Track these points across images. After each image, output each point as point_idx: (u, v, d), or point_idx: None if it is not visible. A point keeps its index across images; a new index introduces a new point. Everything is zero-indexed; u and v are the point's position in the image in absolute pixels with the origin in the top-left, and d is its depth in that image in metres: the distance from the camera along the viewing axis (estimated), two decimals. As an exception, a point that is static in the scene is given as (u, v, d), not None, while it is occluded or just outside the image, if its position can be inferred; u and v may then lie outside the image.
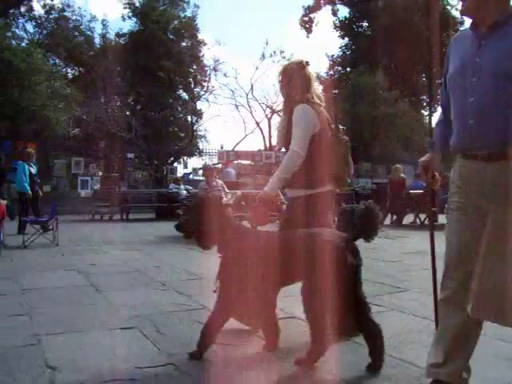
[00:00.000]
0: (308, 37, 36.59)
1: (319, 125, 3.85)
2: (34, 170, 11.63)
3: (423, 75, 34.41)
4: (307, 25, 35.99)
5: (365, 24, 35.79)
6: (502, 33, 2.45)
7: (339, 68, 36.08)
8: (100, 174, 22.14)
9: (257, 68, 34.08)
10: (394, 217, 14.59)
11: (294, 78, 3.93)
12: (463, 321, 2.58)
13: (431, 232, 3.29)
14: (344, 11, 37.10)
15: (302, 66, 3.99)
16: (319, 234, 3.36)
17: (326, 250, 3.17)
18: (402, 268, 7.06)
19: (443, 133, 2.84)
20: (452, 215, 2.70)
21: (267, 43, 39.55)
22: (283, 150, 4.15)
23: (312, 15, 35.77)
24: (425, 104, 34.09)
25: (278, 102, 32.58)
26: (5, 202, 9.68)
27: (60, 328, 4.10)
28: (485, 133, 2.47)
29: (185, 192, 15.98)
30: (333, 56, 36.24)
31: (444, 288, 2.69)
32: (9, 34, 22.11)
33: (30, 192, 11.15)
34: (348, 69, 34.24)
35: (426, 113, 32.95)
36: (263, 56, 33.74)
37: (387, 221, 14.35)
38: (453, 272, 2.64)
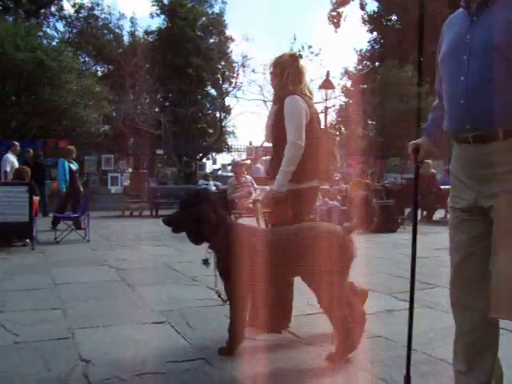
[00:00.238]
0: (336, 31, 36.47)
1: (309, 117, 3.85)
2: (74, 167, 11.73)
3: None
4: (335, 19, 35.75)
5: (394, 17, 35.41)
6: (492, 8, 2.34)
7: (368, 63, 35.77)
8: (130, 170, 22.35)
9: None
10: (425, 212, 14.43)
11: (287, 70, 3.93)
12: (476, 324, 2.47)
13: (414, 228, 3.11)
14: (372, 5, 36.86)
15: (295, 58, 4.00)
16: (322, 227, 3.41)
17: (335, 242, 3.23)
18: (433, 264, 6.97)
19: (436, 117, 2.73)
20: (452, 213, 2.57)
21: (295, 38, 39.47)
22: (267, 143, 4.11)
23: (340, 10, 35.52)
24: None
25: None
26: (37, 198, 9.84)
27: (93, 322, 4.16)
28: (475, 113, 2.34)
29: (214, 188, 16.03)
30: (361, 50, 35.95)
31: (453, 291, 2.59)
32: (40, 33, 22.42)
33: (64, 190, 11.30)
34: (377, 63, 33.91)
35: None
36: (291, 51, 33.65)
37: (418, 216, 14.15)
38: (459, 275, 2.53)
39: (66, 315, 4.41)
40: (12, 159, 12.00)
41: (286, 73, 3.92)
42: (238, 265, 3.28)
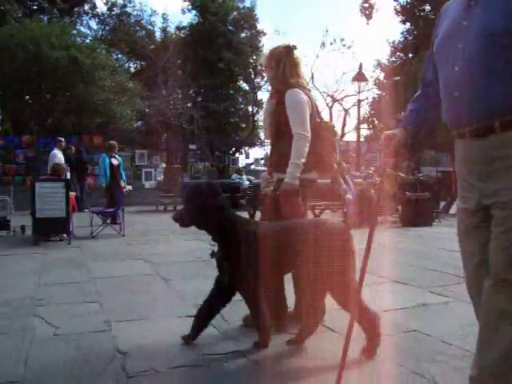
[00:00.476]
0: (368, 23, 36.14)
1: (310, 108, 3.84)
2: (116, 162, 11.74)
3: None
4: (367, 11, 35.37)
5: (427, 8, 34.83)
6: None
7: (401, 54, 35.30)
8: (163, 165, 22.54)
9: (317, 56, 33.90)
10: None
11: (283, 61, 3.88)
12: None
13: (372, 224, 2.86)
14: (405, -5, 36.23)
15: (289, 49, 3.94)
16: (325, 222, 3.43)
17: (337, 237, 3.26)
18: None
19: (415, 108, 2.58)
20: (459, 215, 2.37)
21: (327, 31, 39.33)
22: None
23: (372, 1, 35.12)
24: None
25: (339, 90, 32.28)
26: (74, 193, 10.01)
27: (129, 315, 4.22)
28: (471, 105, 2.15)
29: (247, 182, 16.08)
30: (394, 42, 35.50)
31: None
32: (74, 31, 22.72)
33: (104, 185, 11.42)
34: (410, 55, 33.45)
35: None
36: (323, 44, 33.49)
37: (453, 209, 13.99)
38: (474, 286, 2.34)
39: (102, 308, 4.48)
40: (59, 155, 12.15)
41: (282, 64, 3.88)
42: (247, 257, 3.30)
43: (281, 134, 3.83)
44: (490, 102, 2.08)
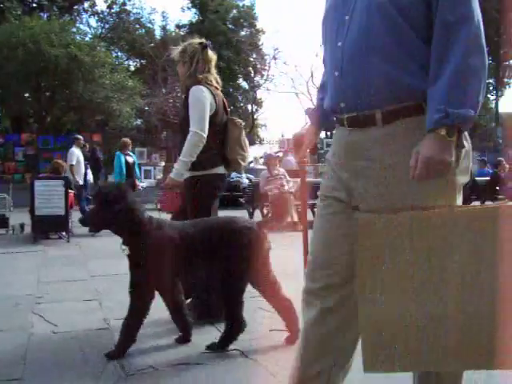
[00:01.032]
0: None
1: (215, 107, 3.83)
2: (131, 159, 11.61)
3: (490, 57, 33.26)
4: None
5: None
6: None
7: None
8: (162, 163, 22.53)
9: (317, 55, 33.86)
10: (460, 204, 14.23)
11: (196, 57, 3.88)
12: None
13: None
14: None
15: (204, 46, 3.94)
16: (236, 220, 3.41)
17: (248, 235, 3.27)
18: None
19: (322, 97, 2.11)
20: (321, 202, 2.02)
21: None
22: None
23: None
24: (491, 88, 32.97)
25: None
26: (72, 191, 10.00)
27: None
28: (350, 89, 1.82)
29: (246, 181, 16.06)
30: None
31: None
32: (73, 29, 22.74)
33: None
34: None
35: (492, 97, 31.88)
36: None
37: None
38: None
39: (101, 306, 4.47)
40: (78, 153, 12.12)
41: (195, 61, 3.87)
42: (155, 259, 3.19)
43: (187, 129, 3.79)
44: (373, 85, 1.77)
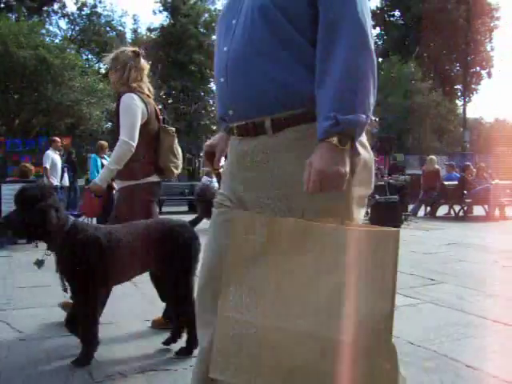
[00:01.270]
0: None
1: (147, 115, 3.82)
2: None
3: (457, 64, 33.89)
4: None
5: (397, 13, 35.38)
6: None
7: (371, 58, 35.77)
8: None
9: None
10: (428, 208, 14.43)
11: (129, 65, 3.86)
12: None
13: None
14: (375, 0, 36.80)
15: (137, 54, 3.93)
16: (168, 222, 3.42)
17: (176, 237, 3.28)
18: (438, 260, 6.97)
19: None
20: (213, 211, 1.96)
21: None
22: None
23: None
24: (459, 94, 33.57)
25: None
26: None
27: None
28: (236, 95, 1.75)
29: (217, 185, 16.03)
30: (365, 46, 35.94)
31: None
32: (43, 31, 22.48)
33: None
34: (380, 59, 33.89)
35: (460, 103, 32.44)
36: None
37: (421, 212, 14.19)
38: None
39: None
40: (52, 155, 11.87)
41: (128, 68, 3.85)
42: (85, 265, 3.08)
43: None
44: (259, 92, 1.68)
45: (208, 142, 2.17)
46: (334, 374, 1.43)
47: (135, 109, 3.73)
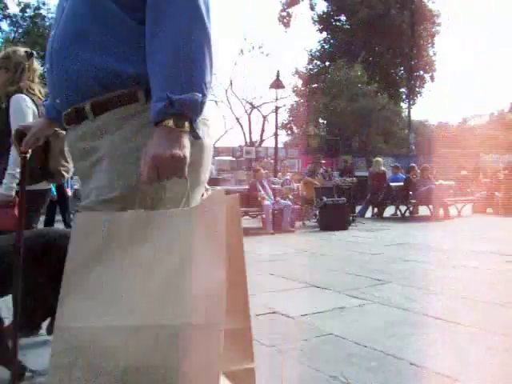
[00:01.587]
0: (286, 31, 36.75)
1: (38, 117, 3.70)
2: None
3: (401, 68, 34.67)
4: (285, 19, 36.09)
5: (343, 18, 35.93)
6: None
7: (318, 62, 36.21)
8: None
9: (235, 64, 34.12)
10: (375, 209, 14.68)
11: (22, 66, 3.79)
12: None
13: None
14: (322, 5, 37.32)
15: (30, 55, 3.87)
16: (54, 232, 3.18)
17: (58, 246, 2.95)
18: (384, 260, 7.09)
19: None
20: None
21: (245, 38, 39.60)
22: None
23: (290, 10, 35.85)
24: (404, 96, 34.34)
25: (258, 97, 32.66)
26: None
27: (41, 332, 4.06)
28: (61, 81, 1.66)
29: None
30: (311, 50, 36.39)
31: None
32: (-17, 32, 21.82)
33: (54, 194, 10.89)
34: (327, 63, 34.37)
35: (405, 105, 33.20)
36: (242, 51, 33.76)
37: (368, 214, 14.43)
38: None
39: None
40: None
41: (21, 69, 3.77)
42: None
43: (7, 140, 3.44)
44: (80, 76, 1.59)
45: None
46: (165, 365, 1.33)
47: (26, 110, 3.62)
